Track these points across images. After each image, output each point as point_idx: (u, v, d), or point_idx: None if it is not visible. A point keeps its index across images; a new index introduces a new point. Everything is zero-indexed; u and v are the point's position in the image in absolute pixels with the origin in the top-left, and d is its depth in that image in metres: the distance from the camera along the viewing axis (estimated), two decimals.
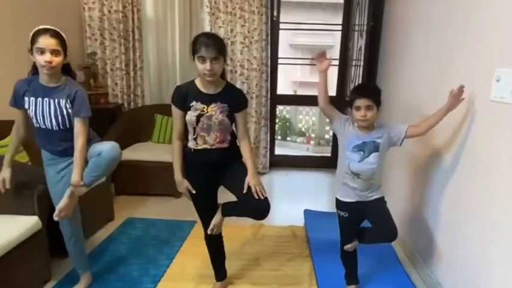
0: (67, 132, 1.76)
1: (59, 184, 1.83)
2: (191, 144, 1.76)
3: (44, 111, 1.71)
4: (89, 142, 1.82)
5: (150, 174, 3.31)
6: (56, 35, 1.65)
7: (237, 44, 3.82)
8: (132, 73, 3.90)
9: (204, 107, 1.69)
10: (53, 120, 1.72)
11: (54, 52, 1.64)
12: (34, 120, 1.74)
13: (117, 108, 3.77)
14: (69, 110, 1.74)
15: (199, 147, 1.74)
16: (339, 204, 1.89)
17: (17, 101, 1.76)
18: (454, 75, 1.94)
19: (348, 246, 1.92)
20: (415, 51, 2.53)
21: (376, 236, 1.86)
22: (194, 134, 1.73)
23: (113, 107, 3.73)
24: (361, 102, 1.68)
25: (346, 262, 2.01)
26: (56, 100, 1.71)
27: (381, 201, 1.84)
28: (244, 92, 3.94)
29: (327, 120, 1.96)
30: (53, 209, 1.87)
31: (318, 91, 1.82)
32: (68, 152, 1.78)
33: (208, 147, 1.73)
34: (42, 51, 1.62)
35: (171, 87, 3.97)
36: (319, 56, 1.80)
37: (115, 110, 3.71)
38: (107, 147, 1.72)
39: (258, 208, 1.70)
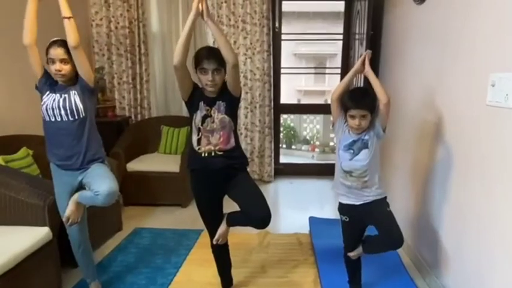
0: (78, 130, 1.81)
1: (66, 197, 1.88)
2: (195, 145, 1.78)
3: (54, 103, 1.79)
4: (95, 160, 1.88)
5: (157, 184, 3.37)
6: (63, 44, 1.75)
7: (240, 56, 3.90)
8: (138, 86, 4.01)
9: (208, 109, 1.75)
10: (61, 110, 1.78)
11: (62, 61, 1.76)
12: (45, 114, 1.80)
13: (124, 120, 3.87)
14: (77, 99, 1.79)
15: (202, 149, 1.77)
16: (341, 207, 1.92)
17: (43, 79, 1.82)
18: (451, 80, 1.98)
19: (351, 254, 1.93)
20: (413, 58, 2.58)
21: (381, 245, 1.86)
22: (198, 135, 1.77)
23: (121, 119, 3.83)
24: (356, 112, 1.72)
25: (349, 267, 2.02)
26: (67, 94, 1.80)
27: (381, 203, 1.82)
28: (248, 102, 4.03)
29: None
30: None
31: (341, 84, 1.86)
32: (74, 164, 1.84)
33: (213, 147, 1.76)
34: (52, 61, 1.76)
35: (176, 100, 4.08)
36: (363, 60, 1.84)
37: (122, 123, 3.81)
38: (103, 192, 1.74)
39: (259, 217, 1.74)
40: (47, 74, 1.81)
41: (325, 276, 2.23)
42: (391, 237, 1.78)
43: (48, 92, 1.81)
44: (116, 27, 3.85)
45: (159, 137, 3.75)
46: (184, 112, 4.03)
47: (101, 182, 1.79)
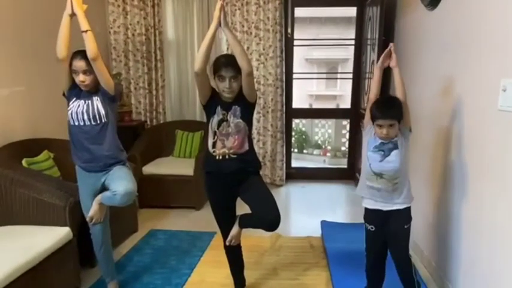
0: (100, 134, 1.91)
1: (90, 198, 1.98)
2: (210, 148, 1.84)
3: (78, 108, 1.89)
4: (117, 162, 1.97)
5: (172, 187, 3.44)
6: (85, 56, 1.83)
7: (253, 61, 3.96)
8: (154, 92, 4.11)
9: (224, 113, 1.82)
10: (85, 115, 1.89)
11: (85, 72, 1.85)
12: (70, 118, 1.91)
13: (140, 125, 3.97)
14: (99, 105, 1.89)
15: (217, 152, 1.82)
16: (367, 215, 1.88)
17: (71, 87, 1.92)
18: (463, 86, 1.99)
19: None
20: (425, 63, 2.59)
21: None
22: (214, 138, 1.83)
23: (137, 124, 3.93)
24: (383, 122, 1.71)
25: (372, 277, 1.97)
26: (90, 100, 1.90)
27: (403, 217, 1.80)
28: (261, 106, 4.08)
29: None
30: (83, 221, 2.04)
31: (373, 83, 1.90)
32: (97, 166, 1.93)
33: (227, 151, 1.82)
34: (76, 73, 1.85)
35: (191, 105, 4.17)
36: (387, 53, 1.85)
37: (138, 127, 3.91)
38: (120, 192, 1.85)
39: (268, 220, 1.78)
40: (75, 83, 1.91)
41: (337, 279, 2.24)
42: (397, 251, 1.81)
43: (74, 99, 1.91)
44: (133, 35, 3.97)
45: (173, 141, 3.83)
46: (198, 117, 4.11)
47: (119, 183, 1.88)
